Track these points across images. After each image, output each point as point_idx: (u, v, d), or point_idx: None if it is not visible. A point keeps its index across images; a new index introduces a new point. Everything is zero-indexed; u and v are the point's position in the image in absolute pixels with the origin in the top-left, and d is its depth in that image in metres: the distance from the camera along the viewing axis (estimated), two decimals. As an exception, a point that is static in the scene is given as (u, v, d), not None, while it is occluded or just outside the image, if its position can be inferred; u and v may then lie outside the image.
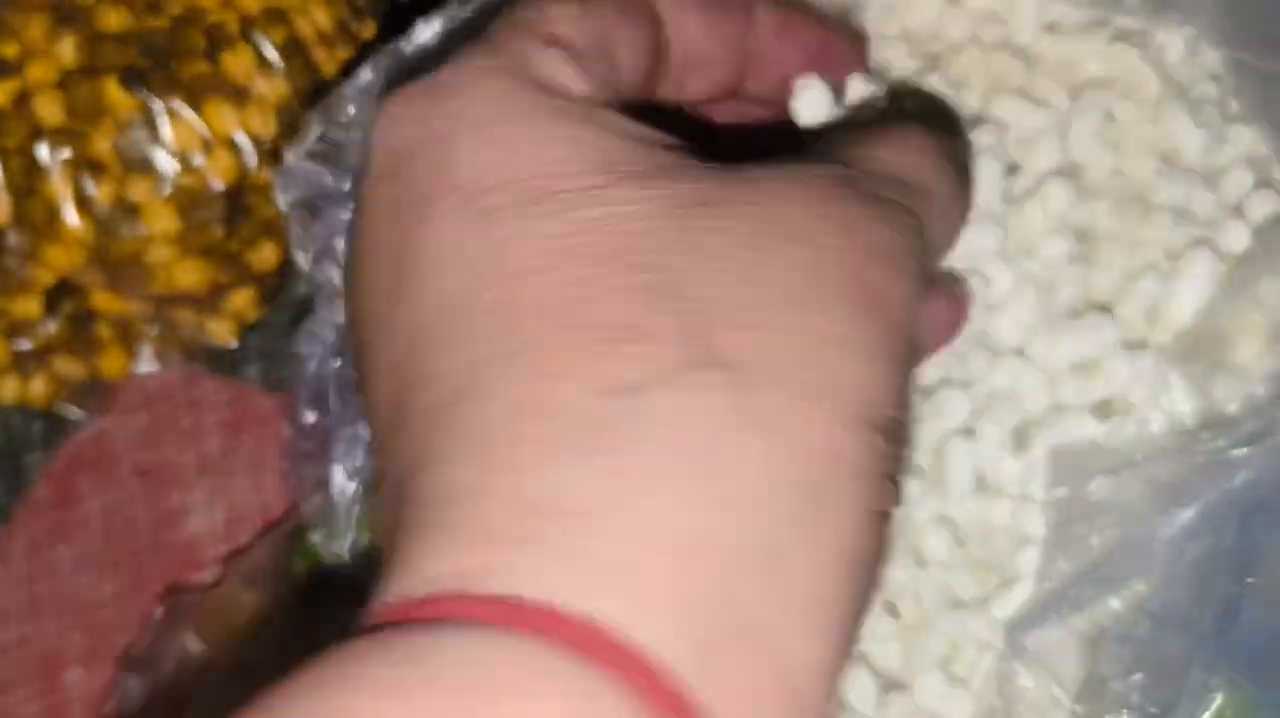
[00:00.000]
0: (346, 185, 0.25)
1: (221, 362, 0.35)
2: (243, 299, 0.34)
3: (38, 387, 0.34)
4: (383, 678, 0.15)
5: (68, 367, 0.34)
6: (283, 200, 0.25)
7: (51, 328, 0.33)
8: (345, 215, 0.24)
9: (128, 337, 0.33)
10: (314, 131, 0.25)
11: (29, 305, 0.32)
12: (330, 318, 0.25)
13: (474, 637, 0.15)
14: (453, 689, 0.15)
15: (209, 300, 0.32)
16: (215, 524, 0.33)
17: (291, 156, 0.25)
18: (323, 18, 0.34)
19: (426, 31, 0.25)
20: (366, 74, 0.24)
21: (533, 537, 0.16)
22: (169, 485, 0.34)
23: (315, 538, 0.26)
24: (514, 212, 0.18)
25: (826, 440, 0.18)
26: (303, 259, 0.25)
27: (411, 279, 0.19)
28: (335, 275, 0.25)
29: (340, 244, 0.24)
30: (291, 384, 0.28)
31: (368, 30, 0.35)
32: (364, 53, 0.35)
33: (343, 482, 0.25)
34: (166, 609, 0.31)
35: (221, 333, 0.34)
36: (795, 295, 0.19)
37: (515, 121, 0.19)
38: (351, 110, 0.24)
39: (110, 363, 0.33)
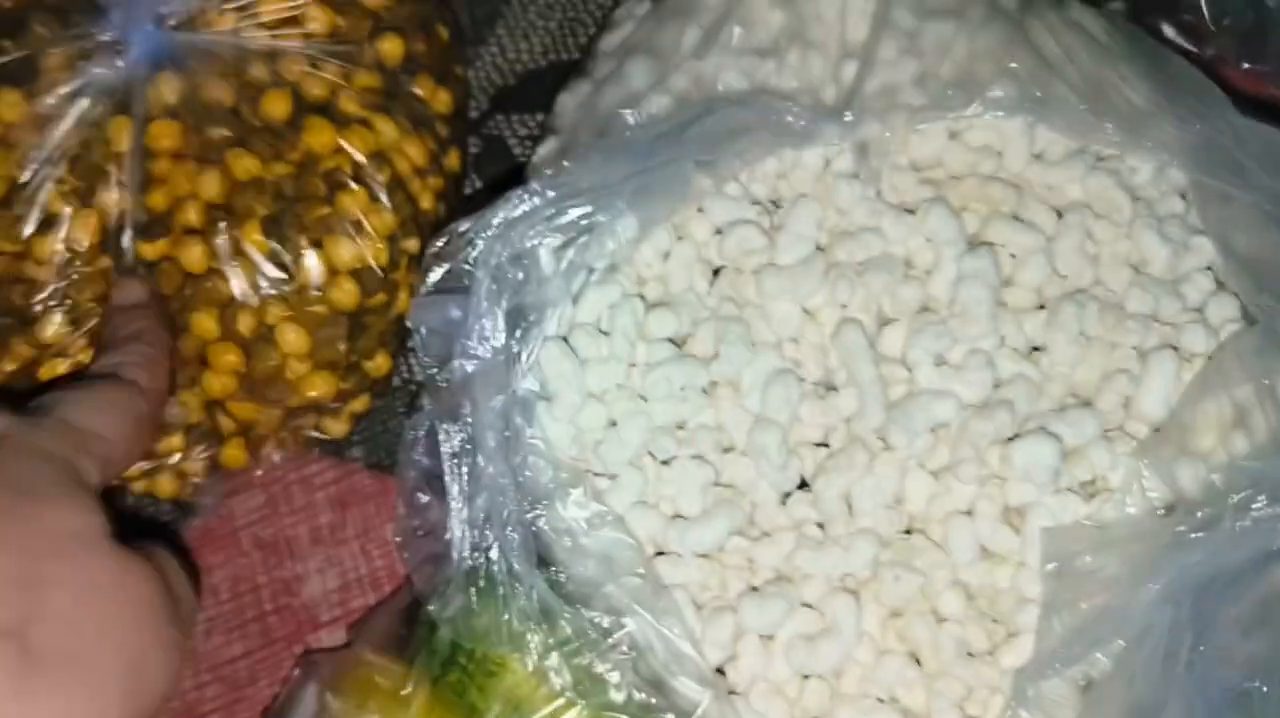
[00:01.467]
0: (465, 313, 0.30)
1: (329, 444, 0.40)
2: (358, 401, 0.39)
3: (165, 484, 0.40)
4: None
5: (195, 466, 0.39)
6: (415, 325, 0.30)
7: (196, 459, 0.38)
8: (465, 339, 0.29)
9: (252, 436, 0.38)
10: (438, 269, 0.30)
11: (172, 442, 0.37)
12: (440, 414, 0.30)
13: None
14: None
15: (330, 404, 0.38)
16: (329, 590, 0.39)
17: (422, 290, 0.30)
18: (416, 154, 0.39)
19: (517, 208, 0.30)
20: (481, 220, 0.30)
21: None
22: (285, 556, 0.39)
23: (431, 608, 0.32)
24: None
25: None
26: (427, 370, 0.30)
27: None
28: (452, 380, 0.31)
29: (455, 360, 0.30)
30: (402, 468, 0.33)
31: (452, 160, 0.41)
32: (452, 183, 0.41)
33: (458, 558, 0.31)
34: (302, 669, 0.36)
35: (337, 429, 0.39)
36: None
37: None
38: (472, 253, 0.29)
39: (233, 457, 0.39)
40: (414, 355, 0.41)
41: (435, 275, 0.30)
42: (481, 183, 0.45)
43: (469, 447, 0.30)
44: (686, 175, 0.32)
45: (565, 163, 0.33)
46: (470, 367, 0.30)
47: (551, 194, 0.30)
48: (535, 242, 0.30)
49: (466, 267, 0.30)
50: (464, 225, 0.30)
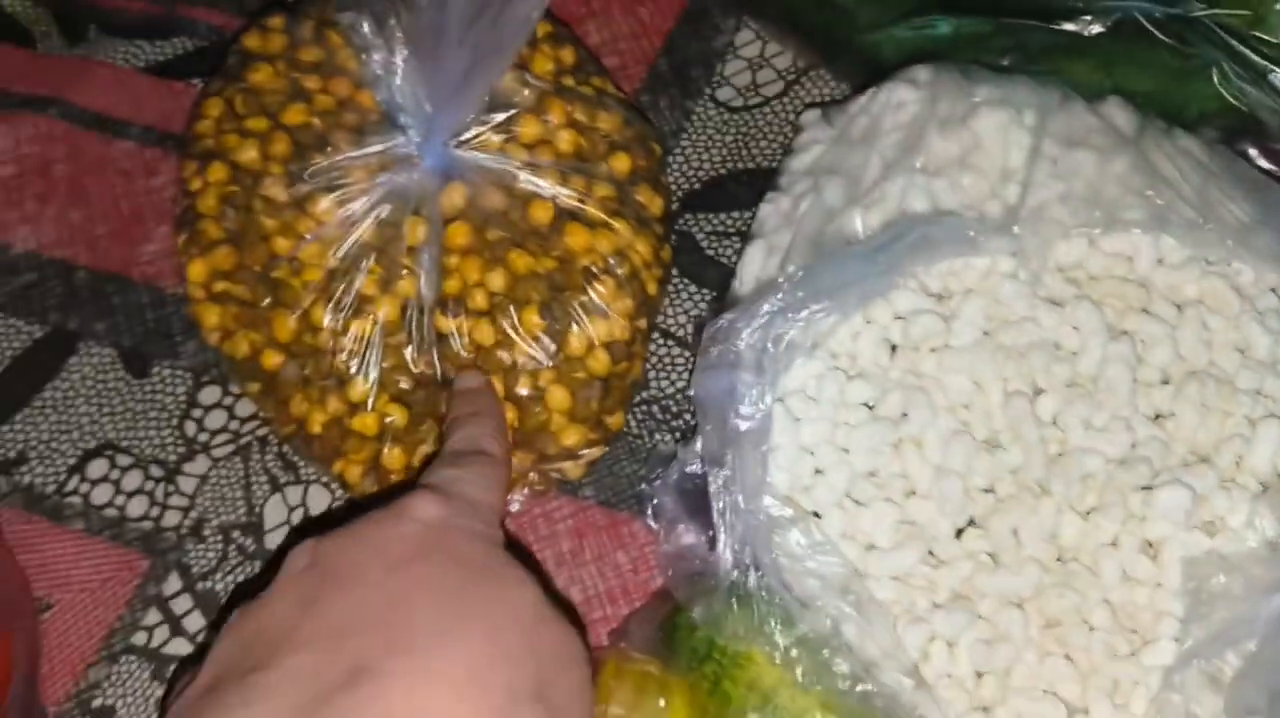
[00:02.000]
0: (728, 385, 0.39)
1: (566, 485, 0.49)
2: (598, 450, 0.48)
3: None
4: None
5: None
6: (696, 390, 0.39)
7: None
8: (738, 406, 0.38)
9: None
10: (711, 349, 0.39)
11: None
12: (711, 459, 0.39)
13: None
14: None
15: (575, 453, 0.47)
16: (575, 603, 0.47)
17: (698, 367, 0.39)
18: (644, 250, 0.48)
19: (774, 304, 0.39)
20: (748, 313, 0.39)
21: None
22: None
23: (695, 614, 0.40)
24: None
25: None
26: (704, 428, 0.39)
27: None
28: (712, 440, 0.40)
29: (729, 419, 0.38)
30: (660, 506, 0.42)
31: (665, 253, 0.49)
32: (667, 272, 0.50)
33: (723, 573, 0.39)
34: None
35: (575, 473, 0.48)
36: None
37: None
38: (740, 340, 0.38)
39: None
40: (637, 413, 0.50)
41: (712, 356, 0.39)
42: (677, 270, 0.54)
43: (732, 487, 0.39)
44: (894, 281, 0.41)
45: (794, 271, 0.42)
46: (743, 427, 0.38)
47: (800, 295, 0.39)
48: (785, 331, 0.39)
49: (737, 348, 0.39)
50: (732, 317, 0.39)
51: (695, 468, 0.41)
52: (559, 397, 0.45)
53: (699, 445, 0.41)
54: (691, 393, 0.39)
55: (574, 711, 0.33)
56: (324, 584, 0.34)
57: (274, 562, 0.42)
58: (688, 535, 0.41)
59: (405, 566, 0.34)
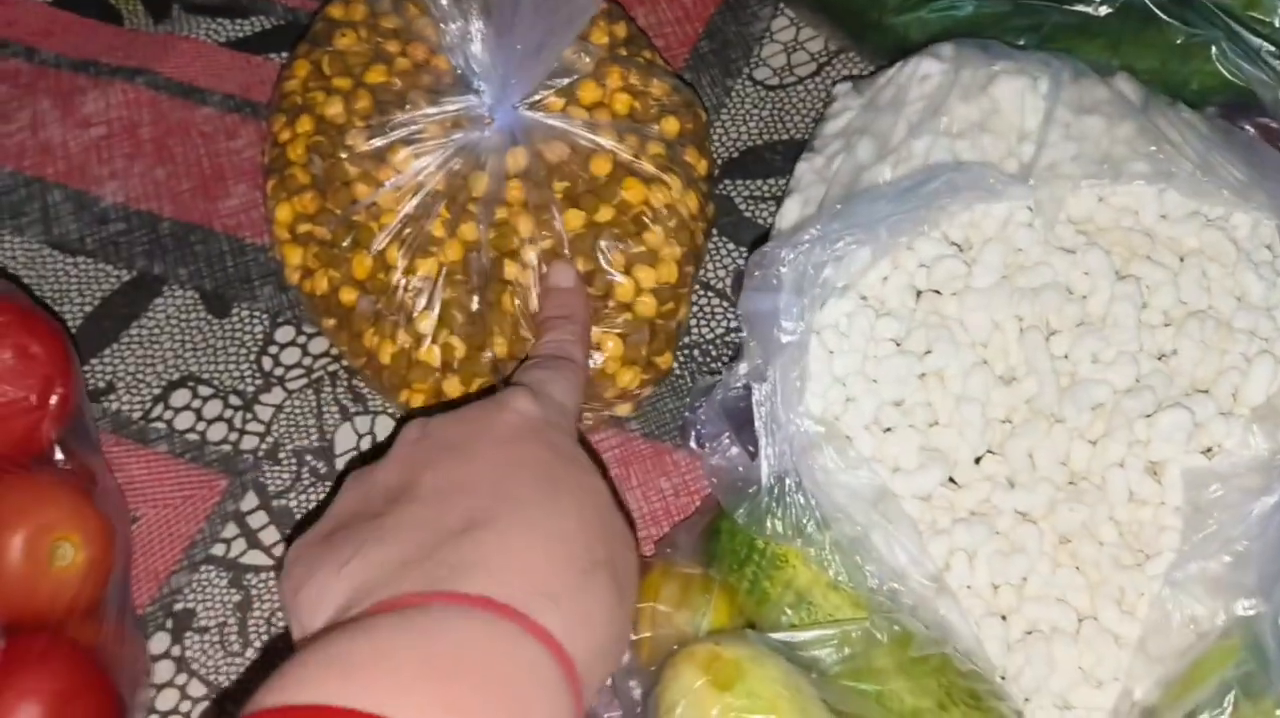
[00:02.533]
0: (772, 305, 0.43)
1: (613, 419, 0.53)
2: (649, 389, 0.52)
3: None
4: (402, 625, 0.31)
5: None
6: (742, 310, 0.43)
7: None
8: (780, 323, 0.42)
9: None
10: (757, 272, 0.43)
11: None
12: (753, 376, 0.43)
13: (450, 609, 0.32)
14: (446, 630, 0.31)
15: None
16: (625, 501, 0.51)
17: (745, 288, 0.43)
18: (692, 204, 0.52)
19: (811, 235, 0.43)
20: (789, 243, 0.43)
21: (478, 569, 0.34)
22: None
23: (739, 517, 0.44)
24: None
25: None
26: (749, 343, 0.43)
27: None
28: (756, 355, 0.44)
29: (773, 335, 0.43)
30: (708, 420, 0.46)
31: (710, 210, 0.54)
32: (710, 226, 0.54)
33: (765, 479, 0.43)
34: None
35: (625, 410, 0.52)
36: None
37: None
38: (782, 266, 0.43)
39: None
40: (679, 356, 0.54)
41: (756, 279, 0.43)
42: (716, 230, 0.58)
43: (773, 398, 0.43)
44: (922, 220, 0.45)
45: (834, 208, 0.46)
46: (784, 339, 0.42)
47: (835, 226, 0.43)
48: (823, 259, 0.43)
49: (778, 273, 0.43)
50: (776, 246, 0.43)
51: (739, 387, 0.45)
52: (612, 345, 0.49)
53: (743, 367, 0.45)
54: (731, 335, 0.43)
55: (630, 584, 0.38)
56: (437, 452, 0.39)
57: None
58: (732, 448, 0.45)
59: (509, 444, 0.39)
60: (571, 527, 0.36)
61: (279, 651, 0.49)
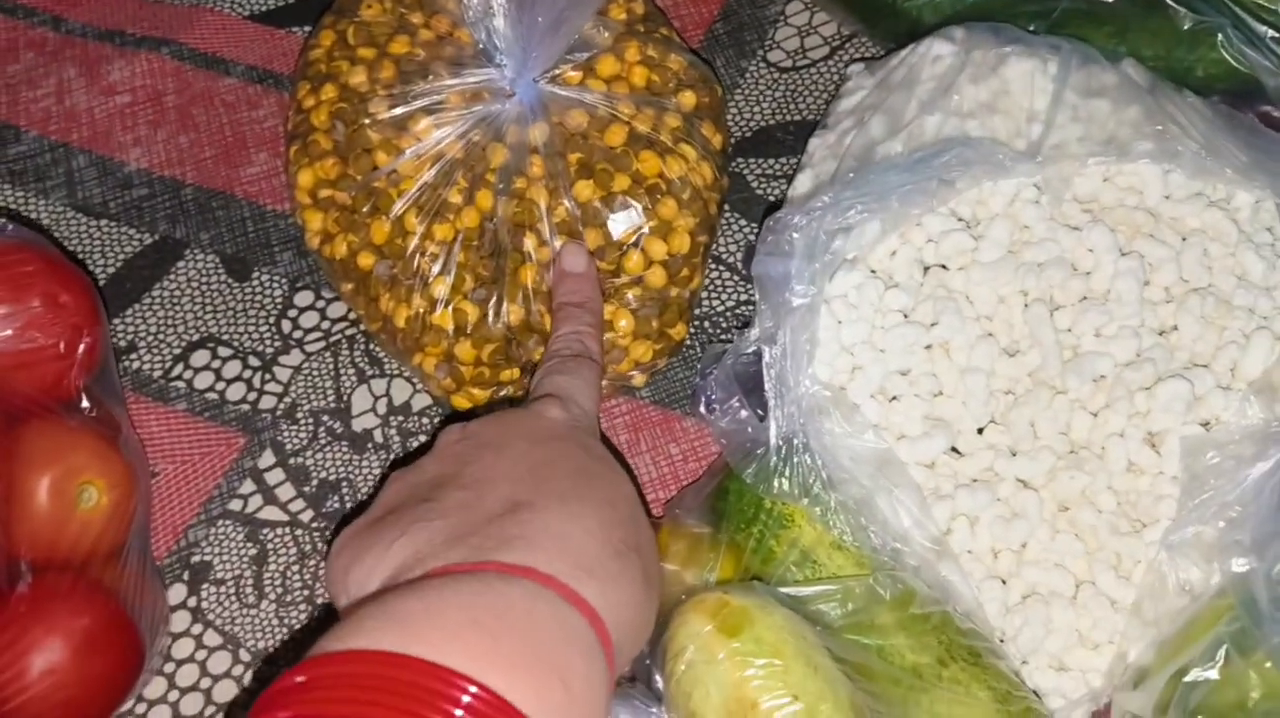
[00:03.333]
0: (784, 269, 0.44)
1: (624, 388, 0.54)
2: (662, 362, 0.53)
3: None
4: (452, 586, 0.33)
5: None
6: (755, 273, 0.44)
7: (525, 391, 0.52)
8: (792, 286, 0.43)
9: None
10: (770, 237, 0.44)
11: (514, 373, 0.51)
12: (764, 339, 0.44)
13: (497, 576, 0.34)
14: (493, 592, 0.33)
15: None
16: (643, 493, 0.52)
17: (758, 252, 0.44)
18: (707, 174, 0.53)
19: (824, 202, 0.45)
20: (801, 210, 0.44)
21: (521, 543, 0.35)
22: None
23: (747, 476, 0.45)
24: None
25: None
26: (760, 307, 0.44)
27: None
28: (767, 318, 0.45)
29: (785, 298, 0.44)
30: (720, 383, 0.47)
31: (724, 182, 0.55)
32: (725, 198, 0.55)
33: (774, 440, 0.44)
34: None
35: (639, 381, 0.53)
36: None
37: None
38: (794, 232, 0.44)
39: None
40: (695, 326, 0.55)
41: (769, 244, 0.44)
42: (729, 206, 0.59)
43: (783, 361, 0.44)
44: (932, 188, 0.46)
45: (848, 177, 0.47)
46: (795, 303, 0.44)
47: (848, 194, 0.45)
48: (831, 226, 0.45)
49: (790, 239, 0.44)
50: (788, 212, 0.45)
51: (749, 354, 0.46)
52: (623, 323, 0.50)
53: (754, 331, 0.46)
54: (742, 308, 0.44)
55: (655, 576, 0.40)
56: (478, 448, 0.41)
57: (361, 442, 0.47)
58: (741, 412, 0.46)
59: (544, 443, 0.41)
60: (605, 515, 0.38)
61: (294, 603, 0.50)
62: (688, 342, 0.55)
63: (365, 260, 0.51)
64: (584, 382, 0.46)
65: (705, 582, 0.44)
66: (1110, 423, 0.46)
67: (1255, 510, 0.39)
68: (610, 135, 0.51)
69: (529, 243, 0.50)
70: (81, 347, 0.44)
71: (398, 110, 0.51)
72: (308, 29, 0.64)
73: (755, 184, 0.59)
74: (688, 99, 0.54)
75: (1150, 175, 0.49)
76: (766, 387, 0.44)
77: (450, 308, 0.51)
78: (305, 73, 0.54)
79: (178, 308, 0.56)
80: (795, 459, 0.44)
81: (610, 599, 0.35)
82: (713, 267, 0.57)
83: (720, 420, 0.46)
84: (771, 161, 0.60)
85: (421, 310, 0.51)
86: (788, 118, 0.61)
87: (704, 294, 0.56)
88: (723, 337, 0.55)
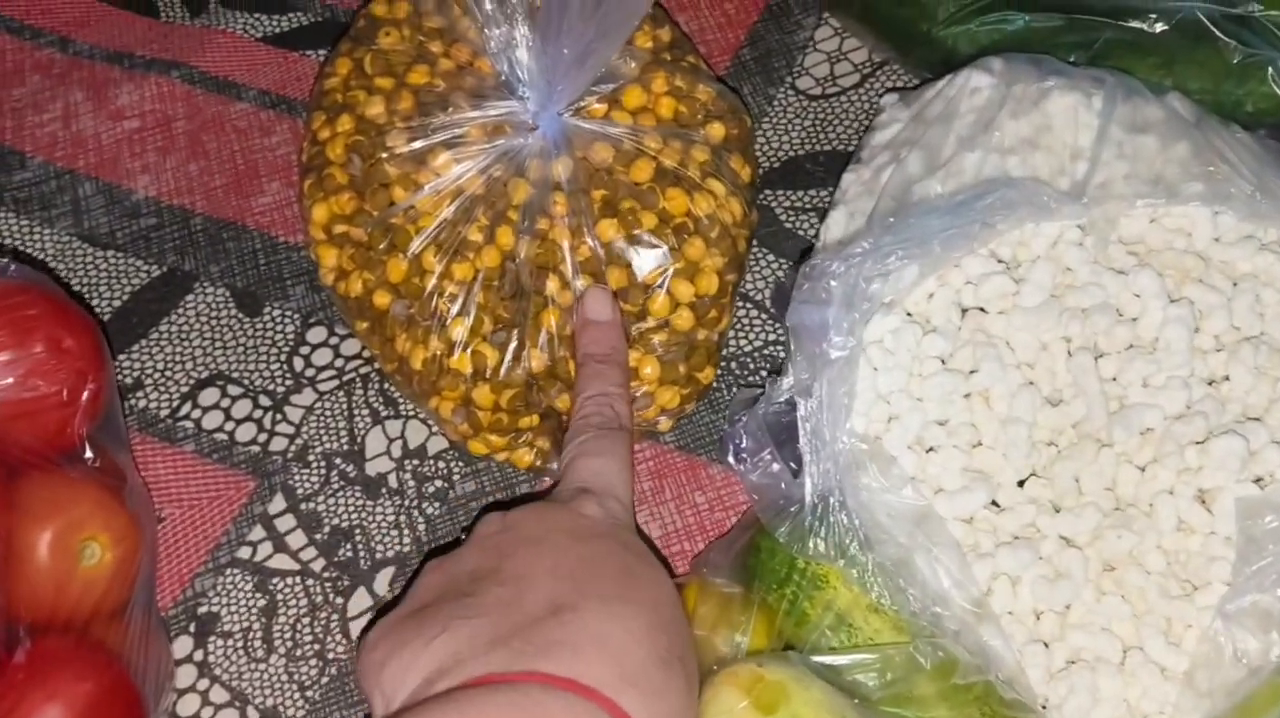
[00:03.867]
0: (820, 318, 0.42)
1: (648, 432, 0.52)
2: (690, 407, 0.51)
3: (522, 456, 0.51)
4: (493, 699, 0.32)
5: (544, 443, 0.51)
6: (790, 323, 0.42)
7: (545, 438, 0.50)
8: (829, 337, 0.41)
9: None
10: (806, 285, 0.42)
11: (532, 419, 0.49)
12: (799, 391, 0.42)
13: (540, 688, 0.33)
14: (535, 706, 0.32)
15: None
16: (654, 538, 0.50)
17: (794, 300, 0.42)
18: (735, 210, 0.51)
19: (861, 249, 0.43)
20: (839, 257, 0.42)
21: (563, 650, 0.34)
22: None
23: (780, 535, 0.43)
24: None
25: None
26: (796, 358, 0.42)
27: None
28: (802, 369, 0.43)
29: (822, 350, 0.42)
30: (751, 438, 0.45)
31: (753, 216, 0.53)
32: (754, 233, 0.53)
33: (809, 497, 0.42)
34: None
35: (665, 426, 0.51)
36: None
37: None
38: (831, 280, 0.42)
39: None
40: (722, 367, 0.53)
41: (804, 292, 0.42)
42: (756, 241, 0.57)
43: (819, 415, 0.42)
44: (974, 232, 0.44)
45: (886, 221, 0.45)
46: (833, 355, 0.42)
47: (887, 240, 0.43)
48: (873, 274, 0.43)
49: (828, 287, 0.42)
50: (826, 259, 0.43)
51: (782, 402, 0.44)
52: (649, 365, 0.48)
53: (788, 381, 0.44)
54: (771, 348, 0.42)
55: (696, 681, 0.38)
56: (519, 543, 0.40)
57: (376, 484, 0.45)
58: (774, 464, 0.44)
59: (586, 540, 0.40)
60: (650, 620, 0.37)
61: (304, 658, 0.48)
62: (715, 384, 0.53)
63: (381, 299, 0.49)
64: (619, 463, 0.44)
65: (737, 648, 0.42)
66: (1159, 479, 0.44)
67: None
68: (636, 171, 0.49)
69: (551, 285, 0.48)
70: (85, 394, 0.42)
71: (416, 144, 0.49)
72: (323, 52, 0.63)
73: (784, 217, 0.57)
74: (716, 131, 0.52)
75: (1200, 217, 0.47)
76: (801, 442, 0.42)
77: (469, 351, 0.49)
78: (320, 102, 0.52)
79: (186, 344, 0.54)
80: (831, 518, 0.42)
81: (653, 710, 0.33)
82: (741, 305, 0.55)
83: (751, 473, 0.44)
84: (801, 193, 0.58)
85: (439, 353, 0.49)
86: (817, 148, 0.59)
87: (731, 334, 0.54)
88: (751, 378, 0.53)
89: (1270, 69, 0.52)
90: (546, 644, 0.34)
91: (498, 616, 0.36)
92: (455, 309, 0.49)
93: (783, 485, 0.43)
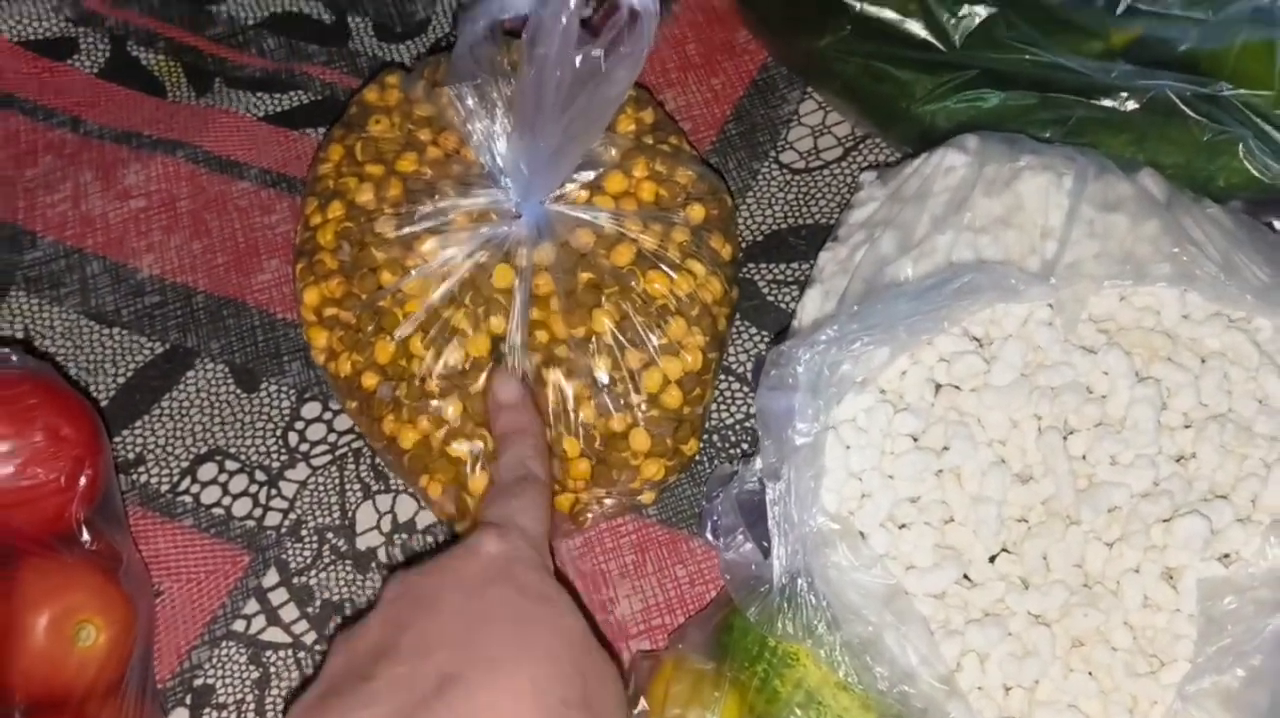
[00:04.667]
0: (787, 404, 0.43)
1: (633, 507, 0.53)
2: (673, 478, 0.52)
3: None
4: None
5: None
6: (759, 410, 0.43)
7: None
8: (795, 424, 0.42)
9: (581, 506, 0.51)
10: (773, 371, 0.43)
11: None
12: (768, 474, 0.43)
13: None
14: None
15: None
16: (635, 611, 0.51)
17: (761, 385, 0.44)
18: (715, 289, 0.52)
19: (829, 335, 0.44)
20: (806, 342, 0.43)
21: None
22: (601, 584, 0.52)
23: (750, 615, 0.44)
24: None
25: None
26: (764, 441, 0.43)
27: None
28: (770, 453, 0.44)
29: (787, 435, 0.43)
30: (723, 517, 0.46)
31: (734, 293, 0.54)
32: (734, 309, 0.55)
33: (777, 578, 0.43)
34: (632, 665, 0.48)
35: (649, 498, 0.52)
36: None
37: None
38: (798, 367, 0.43)
39: (561, 505, 0.51)
40: (704, 440, 0.54)
41: (772, 378, 0.43)
42: (739, 314, 0.58)
43: (787, 498, 0.43)
44: (941, 316, 0.46)
45: (851, 307, 0.46)
46: (798, 442, 0.43)
47: (854, 327, 0.44)
48: (840, 359, 0.44)
49: (795, 372, 0.43)
50: (792, 345, 0.44)
51: (754, 482, 0.45)
52: (639, 437, 0.49)
53: (759, 462, 0.45)
54: (751, 421, 0.43)
55: (611, 711, 0.39)
56: (413, 609, 0.41)
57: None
58: (746, 544, 0.45)
59: (479, 592, 0.41)
60: (545, 672, 0.38)
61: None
62: (698, 457, 0.54)
63: (369, 381, 0.51)
64: (528, 502, 0.45)
65: (707, 727, 0.44)
66: (1126, 557, 0.45)
67: (1274, 666, 0.38)
68: (617, 254, 0.51)
69: (552, 376, 0.50)
70: (83, 479, 0.44)
71: (404, 230, 0.51)
72: (323, 129, 0.65)
73: (766, 291, 0.59)
74: (696, 212, 0.53)
75: (1168, 297, 0.48)
76: (770, 524, 0.43)
77: (465, 437, 0.50)
78: (314, 188, 0.54)
79: (186, 419, 0.56)
80: (799, 599, 0.43)
81: None
82: (722, 378, 0.56)
83: (725, 553, 0.46)
84: (783, 267, 0.59)
85: (429, 435, 0.50)
86: (800, 221, 0.60)
87: (713, 407, 0.55)
88: (732, 451, 0.54)
89: (1241, 145, 0.53)
90: None
91: (392, 699, 0.37)
92: (445, 393, 0.50)
93: (753, 566, 0.45)
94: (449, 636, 0.39)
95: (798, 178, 0.61)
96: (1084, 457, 0.47)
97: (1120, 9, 0.55)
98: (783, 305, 0.58)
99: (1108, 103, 0.54)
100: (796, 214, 0.60)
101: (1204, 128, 0.53)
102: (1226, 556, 0.45)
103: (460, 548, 0.43)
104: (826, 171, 0.61)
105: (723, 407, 0.55)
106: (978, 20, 0.57)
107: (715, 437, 0.55)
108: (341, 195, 0.52)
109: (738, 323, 0.58)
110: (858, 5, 0.59)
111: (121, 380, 0.57)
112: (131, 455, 0.55)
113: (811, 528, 0.43)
